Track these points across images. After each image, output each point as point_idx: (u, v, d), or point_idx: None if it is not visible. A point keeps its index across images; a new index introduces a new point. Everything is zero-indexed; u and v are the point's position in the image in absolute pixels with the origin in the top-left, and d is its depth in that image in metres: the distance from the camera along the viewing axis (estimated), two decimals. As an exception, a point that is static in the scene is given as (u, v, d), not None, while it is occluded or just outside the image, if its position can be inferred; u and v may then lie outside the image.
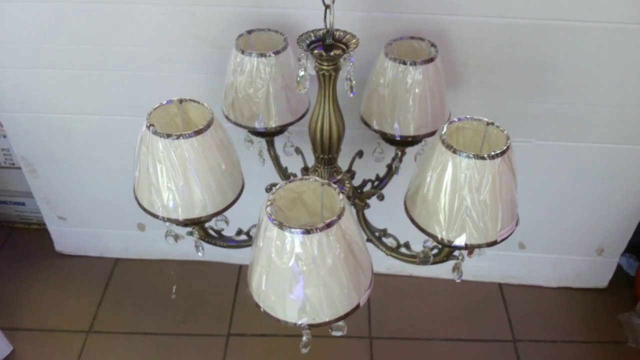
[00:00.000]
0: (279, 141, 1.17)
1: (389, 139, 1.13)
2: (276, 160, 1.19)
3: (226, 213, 1.04)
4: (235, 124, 1.09)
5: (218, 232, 1.05)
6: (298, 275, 0.71)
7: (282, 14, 1.11)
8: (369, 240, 1.06)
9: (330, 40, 0.85)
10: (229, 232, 1.06)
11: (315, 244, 0.69)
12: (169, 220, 0.90)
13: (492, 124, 0.86)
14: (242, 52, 1.03)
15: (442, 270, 1.60)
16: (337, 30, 0.88)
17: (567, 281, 1.58)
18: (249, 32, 1.07)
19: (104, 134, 1.37)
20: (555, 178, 1.35)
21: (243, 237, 1.07)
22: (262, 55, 1.01)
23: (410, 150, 1.15)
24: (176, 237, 1.03)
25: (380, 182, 1.20)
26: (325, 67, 0.87)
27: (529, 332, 1.48)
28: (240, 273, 1.63)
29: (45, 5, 1.14)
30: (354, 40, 0.87)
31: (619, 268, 1.60)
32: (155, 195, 0.87)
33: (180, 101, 0.91)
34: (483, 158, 0.79)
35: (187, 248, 1.62)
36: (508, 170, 0.82)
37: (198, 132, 0.84)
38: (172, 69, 1.23)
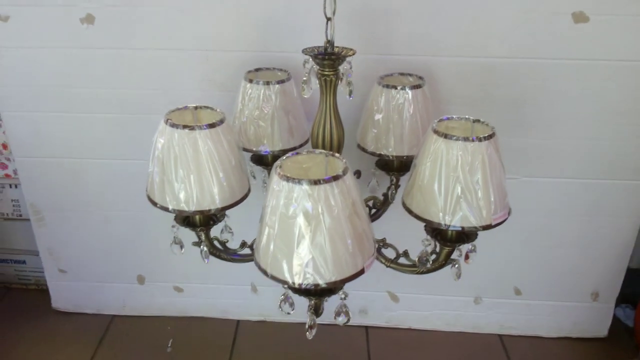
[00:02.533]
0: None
1: (384, 164, 1.22)
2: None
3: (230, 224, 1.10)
4: (243, 149, 1.17)
5: (223, 243, 1.08)
6: (305, 229, 0.75)
7: (288, 57, 1.23)
8: (368, 252, 1.09)
9: (332, 49, 0.97)
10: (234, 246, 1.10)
11: (322, 195, 0.74)
12: (180, 212, 0.94)
13: (478, 120, 0.96)
14: (250, 82, 1.15)
15: (442, 323, 1.60)
16: (336, 47, 1.00)
17: (566, 331, 1.56)
18: (257, 70, 1.20)
19: (115, 179, 1.44)
20: (544, 216, 1.42)
21: (247, 251, 1.10)
22: (267, 83, 1.13)
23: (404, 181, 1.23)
24: (181, 245, 1.05)
25: (377, 211, 1.26)
26: (327, 73, 0.98)
27: (534, 383, 1.45)
28: (238, 328, 1.61)
29: (72, 50, 1.28)
30: (351, 52, 0.99)
31: (617, 320, 1.60)
32: (168, 186, 0.93)
33: (195, 107, 1.00)
34: (472, 140, 0.88)
35: (185, 303, 1.63)
36: (495, 154, 0.90)
37: (211, 126, 0.92)
38: (183, 112, 1.34)
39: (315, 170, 0.86)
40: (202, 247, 1.05)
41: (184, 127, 0.91)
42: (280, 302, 0.92)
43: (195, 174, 0.92)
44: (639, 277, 1.58)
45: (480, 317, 1.57)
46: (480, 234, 1.41)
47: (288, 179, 0.76)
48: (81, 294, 1.63)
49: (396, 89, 1.12)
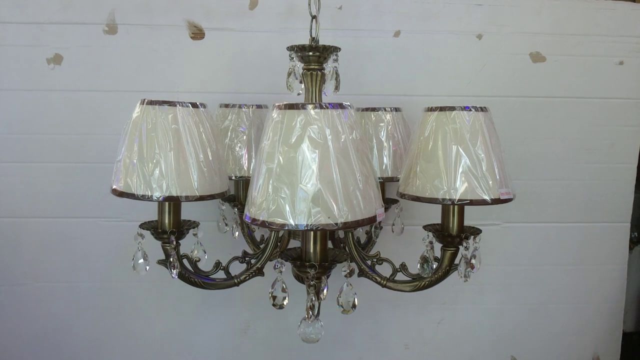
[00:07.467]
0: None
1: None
2: (247, 228, 1.17)
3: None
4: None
5: (193, 263, 0.93)
6: (311, 155, 0.67)
7: (261, 98, 1.21)
8: (361, 272, 0.96)
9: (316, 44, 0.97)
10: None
11: (329, 119, 0.68)
12: (148, 199, 0.81)
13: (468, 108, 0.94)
14: (226, 106, 1.12)
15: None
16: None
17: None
18: (232, 104, 1.16)
19: (60, 241, 1.27)
20: (530, 267, 1.34)
21: (220, 274, 0.95)
22: (241, 106, 1.11)
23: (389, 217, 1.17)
24: (145, 257, 0.89)
25: (363, 249, 1.16)
26: (312, 67, 0.96)
27: None
28: None
29: (35, 93, 1.22)
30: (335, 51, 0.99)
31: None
32: (140, 167, 0.82)
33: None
34: (469, 110, 0.85)
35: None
36: (492, 127, 0.88)
37: (194, 105, 0.86)
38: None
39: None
40: (171, 260, 0.89)
41: (163, 102, 0.84)
42: (270, 293, 0.77)
43: (174, 151, 0.82)
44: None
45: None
46: (470, 296, 1.34)
47: (290, 106, 0.69)
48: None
49: (376, 110, 1.12)
